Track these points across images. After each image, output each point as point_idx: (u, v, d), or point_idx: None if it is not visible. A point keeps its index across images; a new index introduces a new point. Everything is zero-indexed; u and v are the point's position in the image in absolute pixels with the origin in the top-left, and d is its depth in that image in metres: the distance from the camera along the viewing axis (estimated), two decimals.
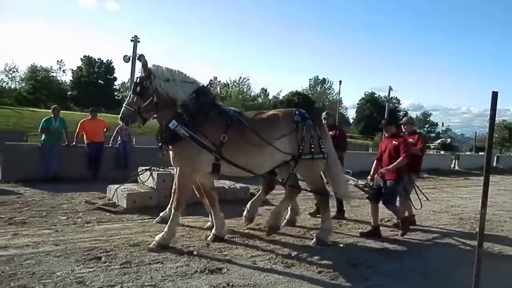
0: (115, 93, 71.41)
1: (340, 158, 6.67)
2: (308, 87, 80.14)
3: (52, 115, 9.69)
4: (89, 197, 7.51)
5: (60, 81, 68.73)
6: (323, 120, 6.67)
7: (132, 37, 24.85)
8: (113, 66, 69.20)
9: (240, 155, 5.07)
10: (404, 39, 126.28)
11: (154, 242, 4.87)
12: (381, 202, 5.92)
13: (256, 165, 5.24)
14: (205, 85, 5.45)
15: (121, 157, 10.55)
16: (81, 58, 67.83)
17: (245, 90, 71.98)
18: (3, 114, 35.18)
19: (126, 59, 25.21)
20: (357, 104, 77.49)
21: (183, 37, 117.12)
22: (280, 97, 71.97)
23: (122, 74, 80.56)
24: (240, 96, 66.84)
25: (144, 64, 5.00)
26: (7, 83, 67.49)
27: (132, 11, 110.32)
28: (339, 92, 61.05)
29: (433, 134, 79.53)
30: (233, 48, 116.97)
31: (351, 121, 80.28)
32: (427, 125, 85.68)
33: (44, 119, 9.72)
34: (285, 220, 6.35)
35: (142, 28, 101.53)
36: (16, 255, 4.29)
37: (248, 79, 72.90)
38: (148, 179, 7.54)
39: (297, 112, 5.46)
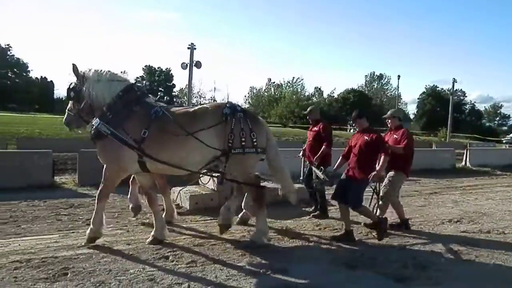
0: (174, 99, 74.53)
1: (327, 154, 6.52)
2: (364, 84, 77.76)
3: None
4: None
5: None
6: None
7: (189, 45, 25.73)
8: (171, 73, 72.38)
9: (161, 150, 4.89)
10: (468, 26, 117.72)
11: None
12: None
13: (180, 160, 4.97)
14: (134, 83, 5.50)
15: None
16: (142, 68, 71.79)
17: (299, 90, 71.58)
18: None
19: (183, 66, 26.20)
20: (418, 98, 73.83)
21: (237, 41, 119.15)
22: (335, 95, 70.64)
23: (180, 81, 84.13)
24: (294, 97, 66.57)
25: (75, 70, 5.16)
26: None
27: (189, 19, 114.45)
28: (398, 87, 58.53)
29: (505, 127, 73.36)
30: (285, 48, 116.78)
31: (411, 116, 76.54)
32: (497, 118, 79.30)
33: None
34: (238, 219, 6.11)
35: (199, 35, 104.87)
36: (94, 253, 4.66)
37: (302, 79, 72.43)
38: (208, 181, 7.77)
39: (227, 105, 5.19)
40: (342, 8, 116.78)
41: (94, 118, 4.98)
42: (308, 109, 7.26)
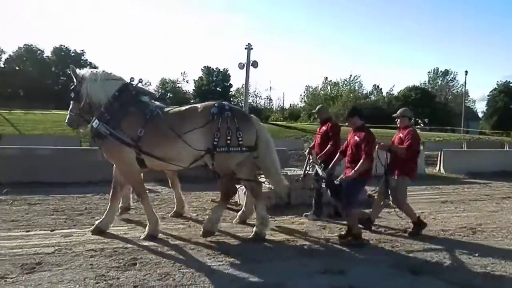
0: (231, 99, 76.07)
1: (331, 153, 6.21)
2: (427, 81, 73.70)
3: None
4: (214, 196, 8.16)
5: (184, 91, 76.12)
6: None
7: (246, 45, 26.17)
8: (229, 73, 73.87)
9: (156, 148, 5.14)
10: None
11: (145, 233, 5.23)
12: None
13: (173, 157, 5.22)
14: (128, 82, 5.52)
15: None
16: (201, 69, 74.04)
17: (356, 88, 69.64)
18: None
19: (240, 66, 26.74)
20: (488, 95, 68.34)
21: (293, 40, 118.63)
22: (394, 93, 67.78)
23: (237, 81, 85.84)
24: (351, 95, 64.94)
25: (74, 72, 5.45)
26: None
27: (246, 19, 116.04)
28: (465, 84, 54.55)
29: None
30: (342, 46, 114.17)
31: (480, 115, 71.21)
32: None
33: None
34: (237, 218, 6.23)
35: (255, 35, 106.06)
36: (159, 246, 4.92)
37: (359, 77, 70.36)
38: (266, 180, 7.85)
39: (216, 105, 5.29)
40: (401, 1, 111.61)
41: (94, 119, 5.26)
42: (317, 108, 7.34)
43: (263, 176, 6.03)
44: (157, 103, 5.60)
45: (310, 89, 76.23)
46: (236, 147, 5.19)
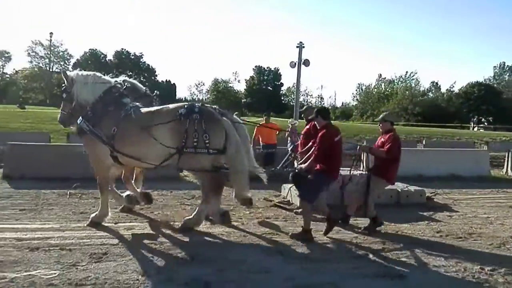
0: (282, 98, 76.01)
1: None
2: (493, 76, 68.65)
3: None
4: (266, 194, 8.22)
5: (236, 90, 77.34)
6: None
7: (298, 43, 25.98)
8: (280, 73, 73.96)
9: (126, 145, 5.42)
10: None
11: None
12: None
13: (142, 155, 5.42)
14: (113, 85, 5.87)
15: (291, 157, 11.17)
16: (252, 68, 74.85)
17: (412, 85, 66.62)
18: None
19: (292, 64, 26.60)
20: None
21: (346, 37, 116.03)
22: (455, 90, 63.92)
23: (288, 80, 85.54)
24: (407, 92, 62.23)
25: (64, 75, 5.88)
26: (196, 96, 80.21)
27: (298, 17, 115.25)
28: None
29: None
30: (396, 42, 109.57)
31: None
32: None
33: None
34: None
35: (306, 33, 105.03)
36: (214, 242, 5.06)
37: (416, 73, 67.22)
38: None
39: (185, 106, 5.40)
40: None
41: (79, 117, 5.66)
42: (304, 108, 7.51)
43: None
44: (137, 103, 5.78)
45: (363, 87, 74.24)
46: (203, 148, 5.24)
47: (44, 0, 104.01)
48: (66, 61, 72.35)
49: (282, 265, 4.35)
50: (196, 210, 5.54)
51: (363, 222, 6.14)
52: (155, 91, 6.69)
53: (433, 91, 68.44)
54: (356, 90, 75.05)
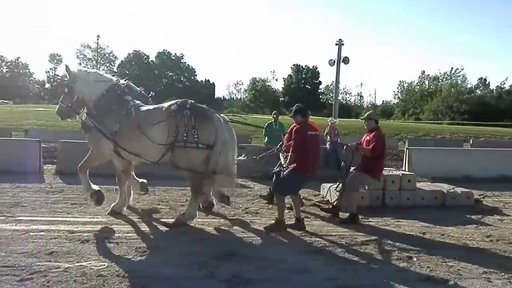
0: (320, 96, 75.15)
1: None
2: None
3: (273, 120, 11.06)
4: (305, 194, 8.18)
5: (274, 89, 77.39)
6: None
7: (337, 41, 25.59)
8: (318, 71, 73.16)
9: (126, 142, 5.72)
10: None
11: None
12: None
13: (140, 152, 5.73)
14: (115, 83, 6.12)
15: (331, 156, 11.04)
16: (290, 67, 74.55)
17: (459, 82, 63.57)
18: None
19: (331, 62, 26.26)
20: None
21: (386, 34, 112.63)
22: (506, 87, 60.29)
23: (326, 78, 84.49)
24: (453, 89, 59.46)
25: (68, 70, 6.15)
26: (235, 95, 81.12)
27: (337, 14, 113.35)
28: None
29: None
30: (441, 37, 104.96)
31: None
32: None
33: (266, 123, 11.19)
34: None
35: (345, 30, 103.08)
36: (254, 240, 5.12)
37: (462, 69, 64.05)
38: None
39: (177, 103, 5.59)
40: None
41: (83, 112, 6.08)
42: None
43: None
44: (137, 101, 6.08)
45: (405, 85, 71.83)
46: (192, 143, 5.43)
47: (92, 4, 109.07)
48: (112, 63, 75.66)
49: (323, 265, 4.32)
50: (188, 207, 5.77)
51: (405, 224, 5.99)
52: (151, 92, 6.80)
53: (481, 88, 64.93)
54: (398, 87, 72.81)
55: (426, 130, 26.68)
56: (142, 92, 6.57)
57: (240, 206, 7.03)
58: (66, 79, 6.39)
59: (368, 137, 6.15)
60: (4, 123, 21.00)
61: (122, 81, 6.35)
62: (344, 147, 6.49)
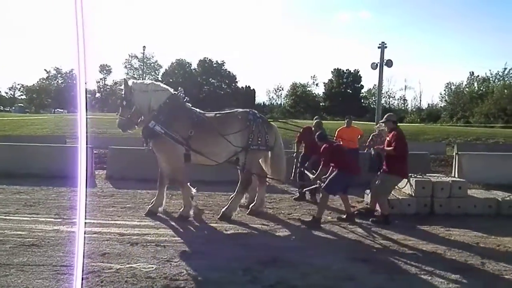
0: (362, 101, 73.54)
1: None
2: None
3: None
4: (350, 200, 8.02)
5: (314, 94, 76.70)
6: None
7: (379, 44, 25.01)
8: (359, 75, 71.66)
9: (203, 146, 6.24)
10: None
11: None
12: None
13: (215, 154, 6.37)
14: (176, 93, 6.58)
15: (374, 162, 10.75)
16: (331, 71, 73.57)
17: None
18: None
19: (373, 66, 25.69)
20: None
21: (432, 34, 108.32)
22: None
23: (368, 82, 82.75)
24: (506, 91, 55.94)
25: (125, 84, 6.40)
26: (275, 100, 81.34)
27: (382, 17, 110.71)
28: None
29: None
30: (492, 35, 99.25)
31: None
32: None
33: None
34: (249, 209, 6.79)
35: (389, 34, 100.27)
36: (298, 247, 5.09)
37: None
38: (405, 186, 7.39)
39: (251, 112, 6.66)
40: None
41: (148, 121, 6.18)
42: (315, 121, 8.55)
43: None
44: (198, 109, 6.70)
45: (452, 87, 68.57)
46: (263, 146, 6.50)
47: (138, 14, 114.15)
48: (156, 71, 78.48)
49: (368, 273, 4.22)
50: (231, 201, 6.48)
51: (456, 233, 5.72)
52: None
53: None
54: (444, 90, 69.62)
55: (477, 134, 25.28)
56: (186, 99, 6.85)
57: (283, 212, 7.03)
58: (122, 93, 6.54)
59: (388, 138, 6.55)
60: (60, 131, 22.38)
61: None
62: (371, 148, 6.99)
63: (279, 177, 7.09)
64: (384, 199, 6.50)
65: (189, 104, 6.67)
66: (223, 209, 6.40)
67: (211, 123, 6.39)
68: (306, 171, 7.13)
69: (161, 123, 6.16)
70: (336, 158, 6.24)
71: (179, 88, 6.84)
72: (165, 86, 6.79)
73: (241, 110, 6.85)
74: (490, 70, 69.16)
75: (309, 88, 77.30)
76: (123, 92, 6.50)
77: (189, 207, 6.36)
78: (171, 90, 6.63)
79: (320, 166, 6.37)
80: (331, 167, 6.28)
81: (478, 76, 65.67)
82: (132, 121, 6.46)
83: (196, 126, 6.27)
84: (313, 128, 8.10)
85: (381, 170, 6.56)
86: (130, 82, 6.58)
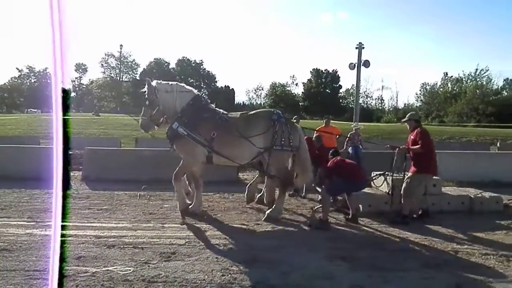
0: (340, 101, 74.49)
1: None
2: None
3: None
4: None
5: (294, 94, 77.16)
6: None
7: (357, 45, 25.37)
8: (338, 75, 72.53)
9: (226, 148, 6.20)
10: None
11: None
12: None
13: (237, 156, 6.34)
14: (199, 94, 6.66)
15: (352, 160, 10.89)
16: (310, 71, 74.17)
17: (484, 83, 61.70)
18: None
19: (351, 66, 26.01)
20: None
21: (407, 36, 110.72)
22: None
23: (346, 82, 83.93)
24: (477, 91, 57.76)
25: (149, 84, 6.40)
26: (255, 100, 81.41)
27: (360, 19, 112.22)
28: None
29: None
30: (464, 37, 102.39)
31: None
32: None
33: None
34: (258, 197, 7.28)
35: (367, 35, 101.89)
36: (278, 246, 5.09)
37: (487, 70, 62.14)
38: (382, 184, 7.51)
39: (275, 112, 6.55)
40: None
41: (173, 122, 6.21)
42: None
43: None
44: (221, 110, 6.66)
45: (427, 87, 70.34)
46: (287, 146, 6.33)
47: (114, 12, 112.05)
48: (134, 71, 77.20)
49: (347, 271, 4.27)
50: (276, 203, 6.42)
51: (431, 230, 5.85)
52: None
53: (507, 89, 62.86)
54: (420, 90, 71.35)
55: (450, 133, 26.06)
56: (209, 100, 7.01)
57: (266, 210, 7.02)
58: (145, 93, 6.56)
59: (412, 136, 6.37)
60: (34, 131, 21.72)
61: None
62: (396, 149, 6.61)
63: (305, 179, 6.94)
64: (413, 199, 6.38)
65: (212, 105, 6.69)
66: (268, 211, 6.34)
67: (234, 125, 6.32)
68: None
69: (185, 124, 6.17)
70: (342, 171, 6.20)
71: (201, 90, 6.90)
72: (189, 87, 6.78)
73: (265, 110, 6.90)
74: (463, 71, 71.35)
75: (288, 88, 77.78)
76: (145, 93, 6.52)
77: (200, 204, 6.50)
78: (195, 91, 6.67)
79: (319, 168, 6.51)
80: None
81: (451, 76, 67.64)
82: (153, 122, 6.51)
83: (219, 128, 6.25)
84: (313, 139, 8.18)
85: (409, 171, 6.38)
86: (154, 83, 6.56)
